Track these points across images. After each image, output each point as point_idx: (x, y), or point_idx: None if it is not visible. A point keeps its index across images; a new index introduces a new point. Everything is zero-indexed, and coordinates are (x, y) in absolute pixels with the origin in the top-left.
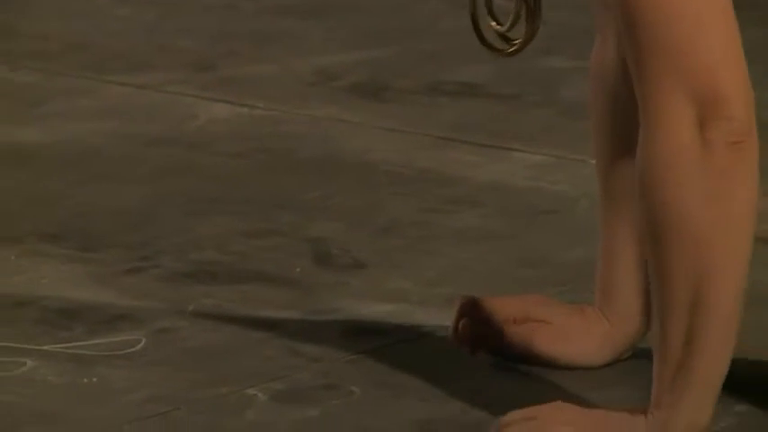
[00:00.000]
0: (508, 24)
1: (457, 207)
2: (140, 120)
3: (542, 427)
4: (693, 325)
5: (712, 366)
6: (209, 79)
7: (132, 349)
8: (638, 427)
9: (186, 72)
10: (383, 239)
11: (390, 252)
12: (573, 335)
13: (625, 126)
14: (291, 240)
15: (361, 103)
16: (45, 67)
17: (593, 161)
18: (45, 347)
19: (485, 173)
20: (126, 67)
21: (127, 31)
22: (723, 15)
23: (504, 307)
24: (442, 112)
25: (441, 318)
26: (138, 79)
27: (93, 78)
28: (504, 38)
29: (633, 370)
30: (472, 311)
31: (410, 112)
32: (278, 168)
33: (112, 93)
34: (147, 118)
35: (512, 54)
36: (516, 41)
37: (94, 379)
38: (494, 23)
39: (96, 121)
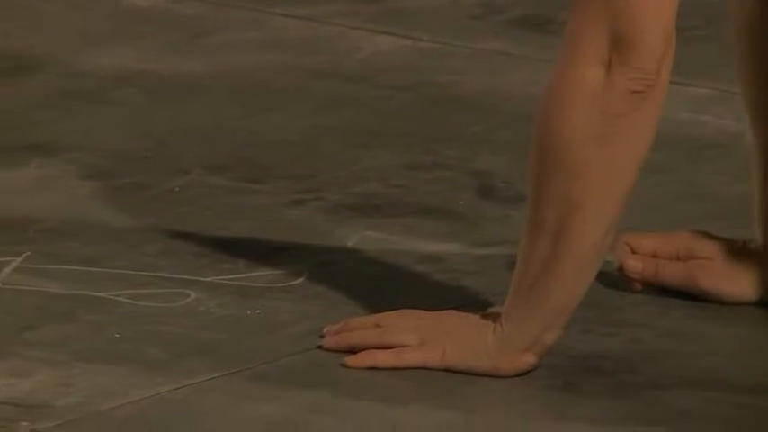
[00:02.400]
0: None
1: None
2: (306, 52)
3: (384, 335)
4: (554, 252)
5: (564, 295)
6: (375, 11)
7: (295, 281)
8: (485, 339)
9: (352, 4)
10: None
11: None
12: (736, 271)
13: (765, 62)
14: (455, 173)
15: (526, 35)
16: None
17: None
18: (208, 279)
19: None
20: None
21: None
22: None
23: (667, 243)
24: None
25: None
26: (305, 11)
27: (259, 10)
28: None
29: None
30: (635, 247)
31: None
32: (442, 101)
33: (279, 25)
34: (312, 50)
35: None
36: None
37: (257, 311)
38: None
39: (262, 53)
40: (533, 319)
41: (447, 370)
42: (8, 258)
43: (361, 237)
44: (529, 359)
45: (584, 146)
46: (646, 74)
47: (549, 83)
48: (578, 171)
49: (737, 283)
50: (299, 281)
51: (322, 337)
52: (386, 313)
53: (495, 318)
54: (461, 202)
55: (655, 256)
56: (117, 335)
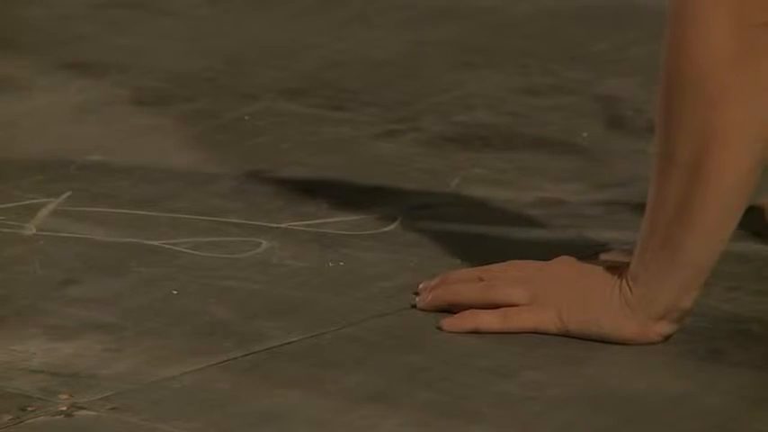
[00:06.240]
0: None
1: None
2: None
3: (488, 291)
4: (689, 193)
5: (704, 247)
6: None
7: (386, 228)
8: (610, 299)
9: None
10: None
11: None
12: None
13: None
14: (577, 99)
15: None
16: None
17: None
18: (283, 225)
19: None
20: None
21: None
22: None
23: None
24: None
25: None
26: None
27: None
28: None
29: None
30: None
31: None
32: (562, 14)
33: None
34: None
35: None
36: None
37: (341, 263)
38: None
39: None
40: (667, 280)
41: (563, 335)
42: (45, 199)
43: (466, 175)
44: (662, 329)
45: (721, 71)
46: None
47: (675, 6)
48: (715, 99)
49: None
50: (390, 227)
51: (417, 294)
52: (491, 265)
53: (621, 272)
54: (584, 134)
55: None
56: (174, 291)
